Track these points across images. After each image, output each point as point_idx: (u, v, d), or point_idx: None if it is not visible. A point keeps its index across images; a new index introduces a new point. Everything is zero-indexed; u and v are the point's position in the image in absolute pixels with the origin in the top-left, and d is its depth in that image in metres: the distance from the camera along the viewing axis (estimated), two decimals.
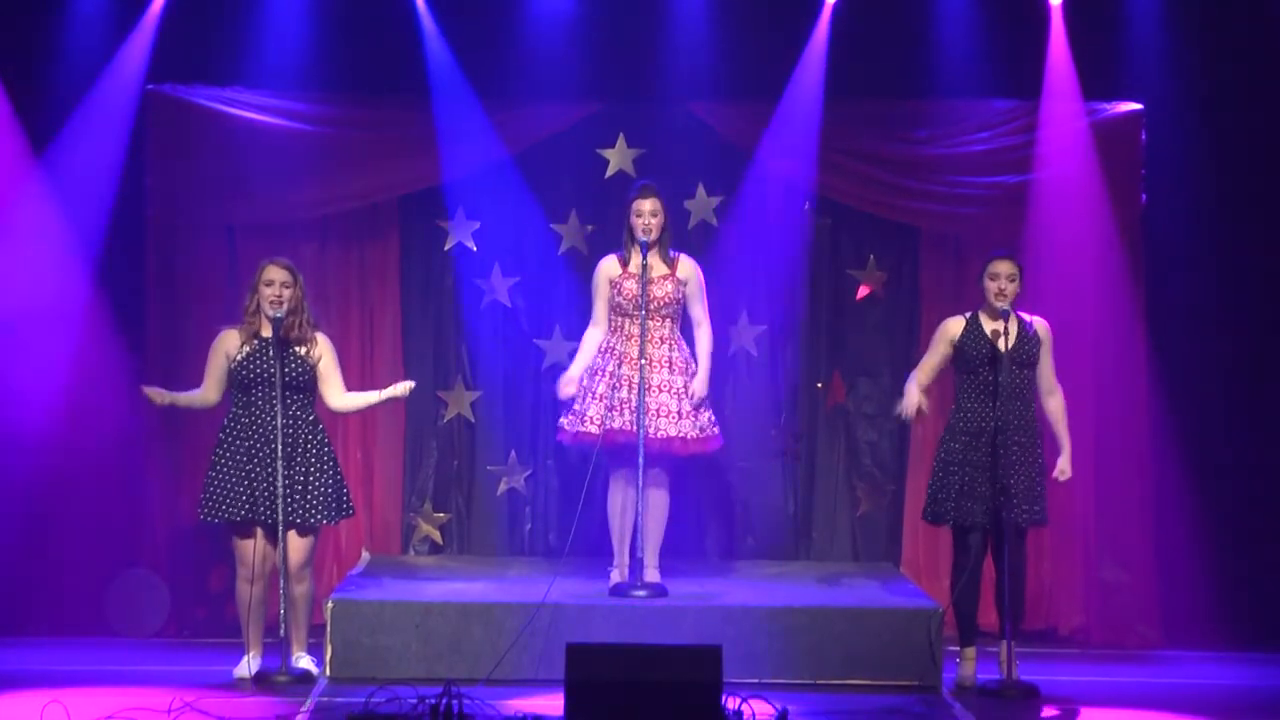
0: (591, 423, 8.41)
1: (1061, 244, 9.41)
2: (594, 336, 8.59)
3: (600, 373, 8.50)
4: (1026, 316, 8.10)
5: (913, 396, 8.11)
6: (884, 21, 9.44)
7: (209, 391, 7.96)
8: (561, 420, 8.62)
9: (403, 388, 8.07)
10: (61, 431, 9.16)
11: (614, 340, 8.54)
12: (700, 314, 8.57)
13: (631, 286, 8.45)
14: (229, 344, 7.90)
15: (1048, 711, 7.54)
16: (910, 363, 9.68)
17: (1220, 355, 9.44)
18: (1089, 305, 9.43)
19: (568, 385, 8.53)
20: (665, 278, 8.48)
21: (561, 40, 9.43)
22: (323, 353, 7.98)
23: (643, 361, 8.25)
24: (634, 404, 8.31)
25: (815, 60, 9.41)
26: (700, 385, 8.46)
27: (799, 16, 9.46)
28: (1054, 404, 8.14)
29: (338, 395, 8.03)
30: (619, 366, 8.44)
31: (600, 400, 8.43)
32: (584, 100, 9.54)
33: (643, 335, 8.28)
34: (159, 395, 7.92)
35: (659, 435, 8.31)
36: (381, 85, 9.45)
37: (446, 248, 9.75)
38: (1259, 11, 9.36)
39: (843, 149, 9.48)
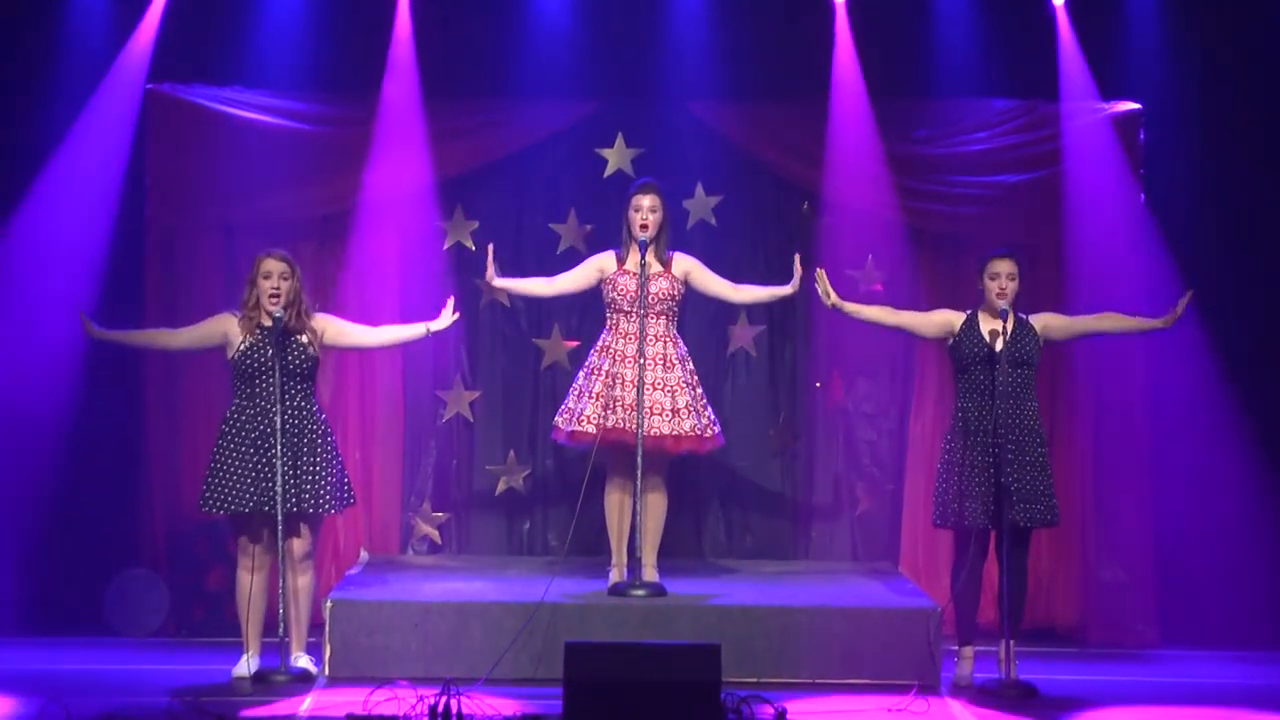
0: (588, 421, 8.41)
1: (1061, 243, 9.42)
2: (539, 284, 8.65)
3: (596, 371, 8.50)
4: (1024, 316, 8.10)
5: (827, 286, 8.21)
6: (882, 21, 9.44)
7: (179, 336, 8.01)
8: (556, 419, 8.63)
9: (446, 319, 8.16)
10: (60, 432, 9.17)
11: (609, 338, 8.54)
12: (726, 283, 8.55)
13: (627, 284, 8.45)
14: (228, 327, 7.88)
15: (1046, 711, 7.53)
16: (910, 362, 9.73)
17: (1218, 355, 9.43)
18: (1088, 305, 9.42)
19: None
20: (660, 275, 8.47)
21: (561, 39, 9.44)
22: (324, 327, 7.97)
23: (642, 360, 8.25)
24: (626, 402, 8.32)
25: (824, 60, 9.42)
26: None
27: (800, 16, 9.47)
28: (1111, 321, 8.17)
29: (367, 335, 8.12)
30: (613, 364, 8.44)
31: (597, 399, 8.43)
32: (583, 99, 9.54)
33: (642, 334, 8.28)
34: (92, 330, 7.92)
35: (652, 433, 8.30)
36: (380, 85, 9.44)
37: (445, 247, 9.76)
38: (1259, 12, 9.37)
39: (843, 148, 9.49)
